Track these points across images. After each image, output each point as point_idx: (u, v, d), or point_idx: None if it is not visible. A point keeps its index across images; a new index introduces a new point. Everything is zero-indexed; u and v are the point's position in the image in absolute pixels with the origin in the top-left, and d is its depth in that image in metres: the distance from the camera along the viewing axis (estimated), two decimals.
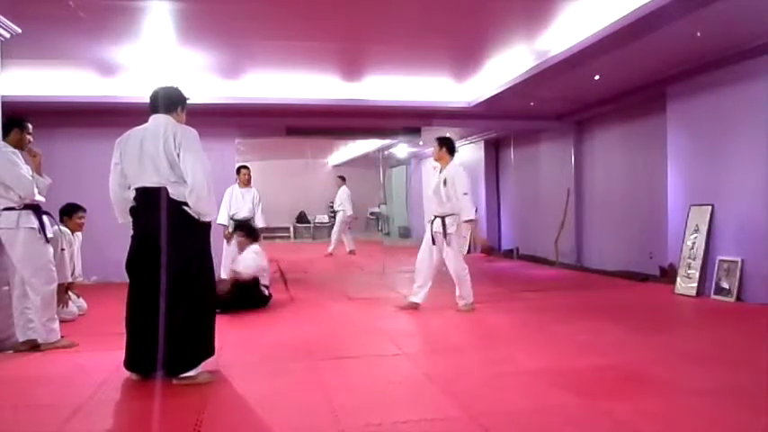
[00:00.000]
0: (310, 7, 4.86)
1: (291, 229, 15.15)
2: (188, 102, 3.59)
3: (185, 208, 3.26)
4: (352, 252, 11.47)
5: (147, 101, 3.47)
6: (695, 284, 6.09)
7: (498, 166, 11.87)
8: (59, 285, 4.35)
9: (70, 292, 5.31)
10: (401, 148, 12.59)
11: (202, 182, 3.24)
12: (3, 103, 4.46)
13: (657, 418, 2.67)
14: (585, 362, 3.67)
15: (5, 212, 3.94)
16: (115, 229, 3.82)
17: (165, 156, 3.24)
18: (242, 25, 5.28)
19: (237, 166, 7.71)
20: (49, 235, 4.14)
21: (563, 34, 5.56)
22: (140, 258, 3.35)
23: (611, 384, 3.23)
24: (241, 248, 6.14)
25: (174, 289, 3.22)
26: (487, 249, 10.67)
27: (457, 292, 5.46)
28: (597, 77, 6.71)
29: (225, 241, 7.07)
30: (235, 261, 6.02)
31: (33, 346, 4.06)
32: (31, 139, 4.22)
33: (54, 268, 4.14)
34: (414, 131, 9.37)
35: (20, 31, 4.51)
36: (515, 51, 6.26)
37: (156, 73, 6.41)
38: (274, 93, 7.46)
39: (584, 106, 8.51)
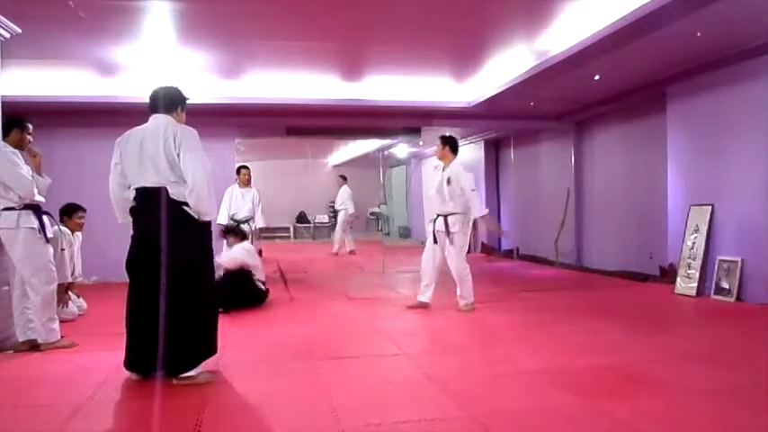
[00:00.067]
0: (310, 7, 4.86)
1: (291, 229, 15.13)
2: (188, 102, 3.59)
3: (185, 208, 3.27)
4: (352, 252, 11.49)
5: (147, 101, 3.48)
6: (695, 284, 6.08)
7: (498, 166, 11.86)
8: (59, 285, 4.35)
9: (70, 292, 5.31)
10: (401, 148, 12.58)
11: (202, 182, 3.24)
12: (3, 103, 4.46)
13: (657, 418, 2.67)
14: (585, 362, 3.67)
15: (5, 212, 3.94)
16: (115, 229, 3.82)
17: (165, 156, 3.25)
18: (242, 25, 5.28)
19: (237, 166, 7.72)
20: (49, 235, 4.14)
21: (563, 34, 5.56)
22: (140, 258, 3.35)
23: (611, 384, 3.23)
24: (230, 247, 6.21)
25: (174, 289, 3.23)
26: (501, 234, 10.82)
27: (458, 292, 5.46)
28: (597, 77, 6.71)
29: (225, 242, 7.07)
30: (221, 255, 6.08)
31: (33, 346, 4.06)
32: (31, 139, 4.22)
33: (54, 268, 4.14)
34: (414, 131, 9.37)
35: (20, 31, 4.52)
36: (515, 51, 6.25)
37: (156, 73, 6.40)
38: (274, 93, 7.45)
39: (584, 106, 8.51)
